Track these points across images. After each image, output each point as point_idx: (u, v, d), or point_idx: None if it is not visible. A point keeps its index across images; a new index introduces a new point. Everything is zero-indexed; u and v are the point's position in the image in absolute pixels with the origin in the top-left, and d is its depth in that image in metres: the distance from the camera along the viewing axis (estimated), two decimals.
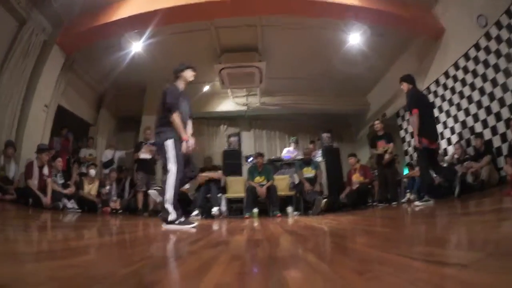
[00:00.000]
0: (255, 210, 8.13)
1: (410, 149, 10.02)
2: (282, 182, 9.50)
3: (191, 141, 4.49)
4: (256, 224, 5.33)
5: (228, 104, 12.75)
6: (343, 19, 8.20)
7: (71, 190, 7.78)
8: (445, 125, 8.32)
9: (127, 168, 10.16)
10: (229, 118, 13.69)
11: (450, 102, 8.09)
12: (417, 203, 5.96)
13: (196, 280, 1.13)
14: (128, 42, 8.73)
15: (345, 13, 7.80)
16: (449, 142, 8.26)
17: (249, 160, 11.16)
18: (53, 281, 1.08)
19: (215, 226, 5.04)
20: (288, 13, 7.97)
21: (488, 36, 6.80)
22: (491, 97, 6.82)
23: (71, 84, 9.76)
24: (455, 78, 7.88)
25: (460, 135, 7.85)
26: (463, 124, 7.71)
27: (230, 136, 12.48)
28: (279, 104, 12.75)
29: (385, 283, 0.98)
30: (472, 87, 7.35)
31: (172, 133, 4.34)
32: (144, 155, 8.50)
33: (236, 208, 9.56)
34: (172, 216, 4.11)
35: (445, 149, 8.34)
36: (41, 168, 7.09)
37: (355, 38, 8.84)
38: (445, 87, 8.25)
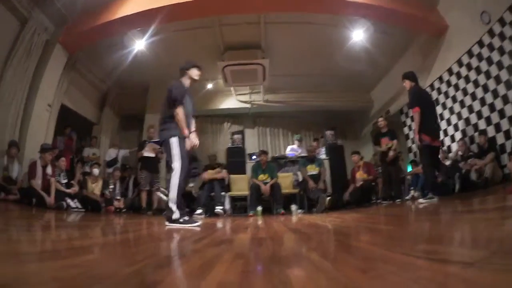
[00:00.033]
0: (259, 208, 8.13)
1: (414, 146, 9.99)
2: (286, 180, 9.50)
3: (193, 137, 4.49)
4: (260, 222, 5.33)
5: (232, 102, 12.73)
6: (347, 15, 8.19)
7: (74, 189, 7.77)
8: (448, 122, 8.30)
9: (130, 167, 10.17)
10: (233, 116, 13.67)
11: (454, 99, 8.06)
12: (421, 200, 5.96)
13: (199, 279, 1.13)
14: (131, 40, 8.72)
15: (348, 10, 7.77)
16: (452, 139, 8.23)
17: (253, 157, 11.16)
18: (55, 281, 1.08)
19: (219, 224, 5.05)
20: (292, 10, 7.95)
21: (491, 33, 6.76)
22: (495, 94, 6.79)
23: (74, 83, 9.79)
24: (458, 75, 7.84)
25: (463, 132, 7.82)
26: (467, 121, 7.68)
27: (234, 133, 12.49)
28: (283, 101, 12.74)
29: (388, 281, 0.98)
30: (476, 84, 7.32)
31: (176, 130, 4.34)
32: (148, 153, 8.51)
33: (240, 206, 9.55)
34: (176, 214, 4.12)
35: (448, 146, 8.32)
36: (44, 167, 7.09)
37: (358, 35, 8.81)
38: (448, 84, 8.22)
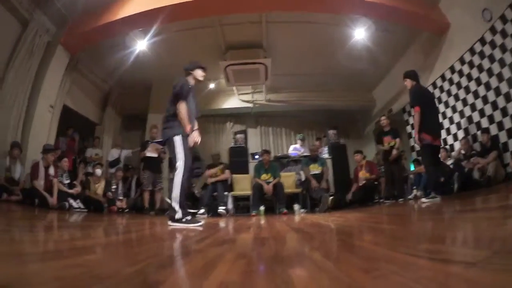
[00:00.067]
0: (262, 208, 8.15)
1: (417, 145, 9.98)
2: (289, 179, 9.52)
3: (196, 134, 4.49)
4: (262, 221, 5.33)
5: (234, 101, 12.73)
6: (348, 14, 8.18)
7: (77, 190, 7.79)
8: (451, 120, 8.28)
9: (133, 167, 10.19)
10: (235, 115, 13.67)
11: (456, 97, 8.04)
12: (423, 199, 5.95)
13: (201, 279, 1.13)
14: (132, 41, 8.73)
15: (350, 8, 7.78)
16: (455, 137, 8.21)
17: (256, 157, 11.16)
18: (56, 280, 1.09)
19: (222, 224, 5.05)
20: (293, 9, 7.94)
21: (493, 30, 6.74)
22: (497, 92, 6.76)
23: (76, 83, 9.79)
24: (460, 73, 7.82)
25: (466, 130, 7.80)
26: (469, 119, 7.67)
27: (236, 133, 12.51)
28: (285, 101, 12.75)
29: (390, 281, 0.98)
30: (478, 82, 7.30)
31: (179, 128, 4.35)
32: (150, 153, 8.51)
33: (242, 206, 9.57)
34: (178, 214, 4.12)
35: (451, 145, 8.31)
36: (47, 168, 7.10)
37: (360, 34, 8.80)
38: (451, 82, 8.20)
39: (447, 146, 8.26)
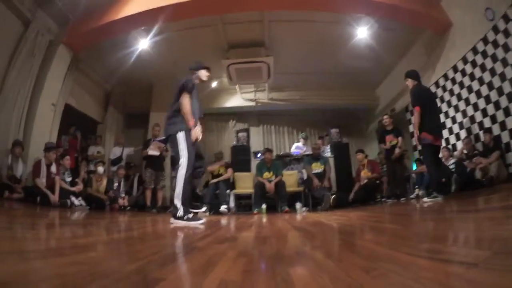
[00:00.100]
0: (264, 206, 8.15)
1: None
2: (291, 178, 9.50)
3: (198, 130, 4.48)
4: (264, 220, 5.33)
5: (237, 100, 12.75)
6: (350, 12, 8.17)
7: (79, 187, 7.81)
8: (453, 120, 8.25)
9: (135, 165, 10.20)
10: (238, 114, 13.68)
11: (459, 97, 8.01)
12: (425, 199, 5.95)
13: (201, 277, 1.13)
14: (134, 40, 8.75)
15: (352, 7, 7.77)
16: (457, 137, 8.18)
17: (258, 155, 11.14)
18: (56, 277, 1.09)
19: (223, 222, 5.05)
20: (295, 8, 7.93)
21: (495, 30, 6.72)
22: (500, 91, 6.74)
23: (78, 82, 9.82)
24: (463, 72, 7.80)
25: (468, 130, 7.78)
26: (472, 119, 7.64)
27: (239, 131, 12.47)
28: (288, 99, 12.76)
29: (391, 281, 0.98)
30: (481, 81, 7.28)
31: (183, 124, 4.35)
32: (153, 151, 8.50)
33: (244, 204, 9.57)
34: (180, 212, 4.12)
35: (453, 145, 8.28)
36: (49, 166, 7.12)
37: (362, 32, 8.82)
38: (453, 81, 8.17)
39: (450, 146, 8.23)
